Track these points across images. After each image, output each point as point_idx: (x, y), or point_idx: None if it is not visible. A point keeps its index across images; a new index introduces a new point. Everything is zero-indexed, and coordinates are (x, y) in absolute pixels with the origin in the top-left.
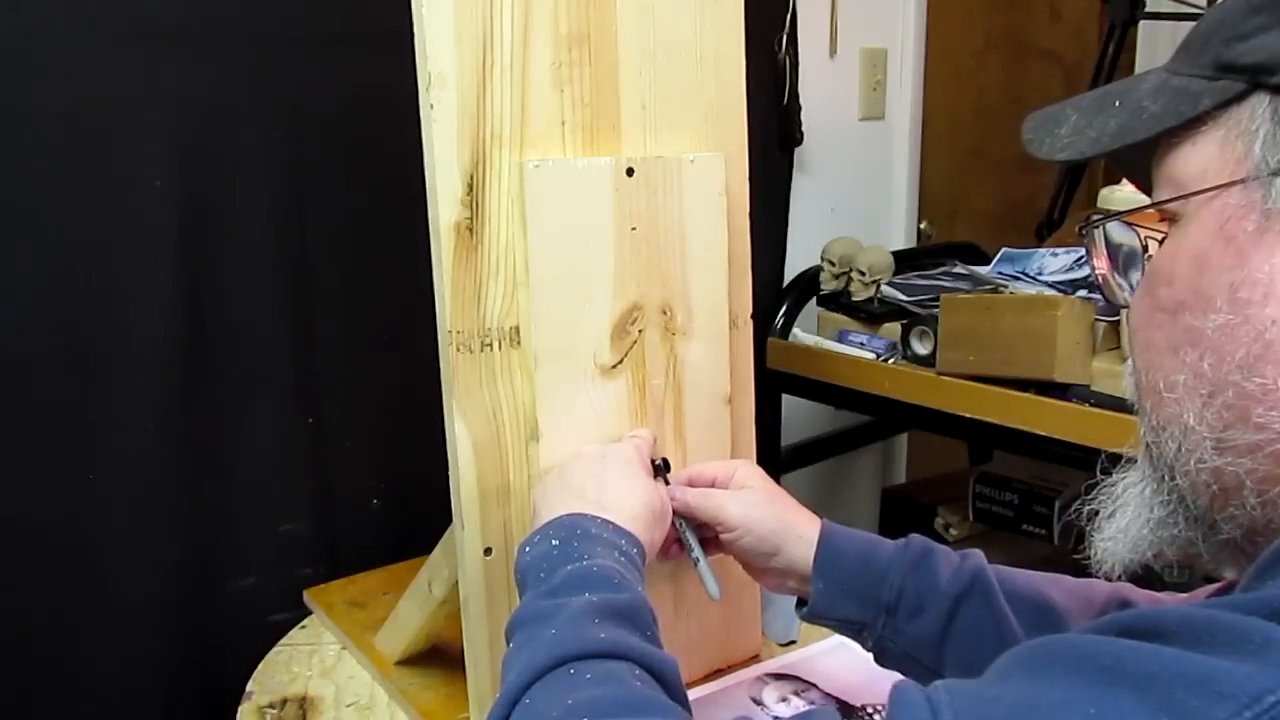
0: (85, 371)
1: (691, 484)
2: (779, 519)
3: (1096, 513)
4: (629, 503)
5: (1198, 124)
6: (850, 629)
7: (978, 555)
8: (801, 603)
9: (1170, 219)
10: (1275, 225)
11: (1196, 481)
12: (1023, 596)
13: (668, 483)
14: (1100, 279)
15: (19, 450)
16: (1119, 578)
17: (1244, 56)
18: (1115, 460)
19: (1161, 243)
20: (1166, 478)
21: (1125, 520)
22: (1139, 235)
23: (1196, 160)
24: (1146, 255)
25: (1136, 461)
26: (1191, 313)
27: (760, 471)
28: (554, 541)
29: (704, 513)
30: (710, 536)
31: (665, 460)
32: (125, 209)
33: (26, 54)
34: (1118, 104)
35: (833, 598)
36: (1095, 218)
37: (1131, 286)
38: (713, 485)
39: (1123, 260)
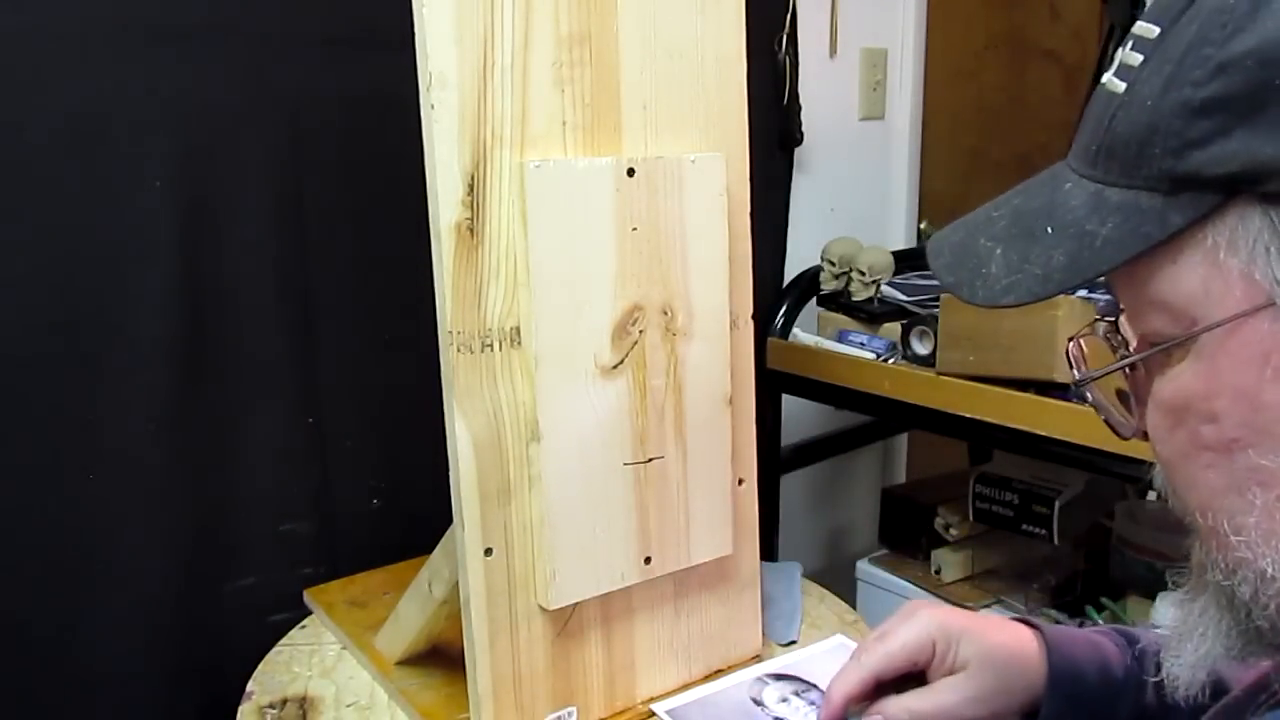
0: (85, 371)
1: (882, 677)
2: (1006, 666)
3: (1164, 640)
4: None
5: (1170, 242)
6: None
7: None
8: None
9: (1178, 345)
10: None
11: (1278, 625)
12: None
13: None
14: (1104, 413)
15: (19, 450)
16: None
17: (1209, 168)
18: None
19: (1150, 357)
20: (1244, 615)
21: (1204, 650)
22: (1127, 371)
23: (1187, 281)
24: (1129, 368)
25: (1201, 584)
26: (1256, 450)
27: (943, 618)
28: None
29: (942, 714)
30: None
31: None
32: (125, 209)
33: (26, 54)
34: (1050, 230)
35: (1066, 716)
36: (1092, 374)
37: (1136, 420)
38: (914, 665)
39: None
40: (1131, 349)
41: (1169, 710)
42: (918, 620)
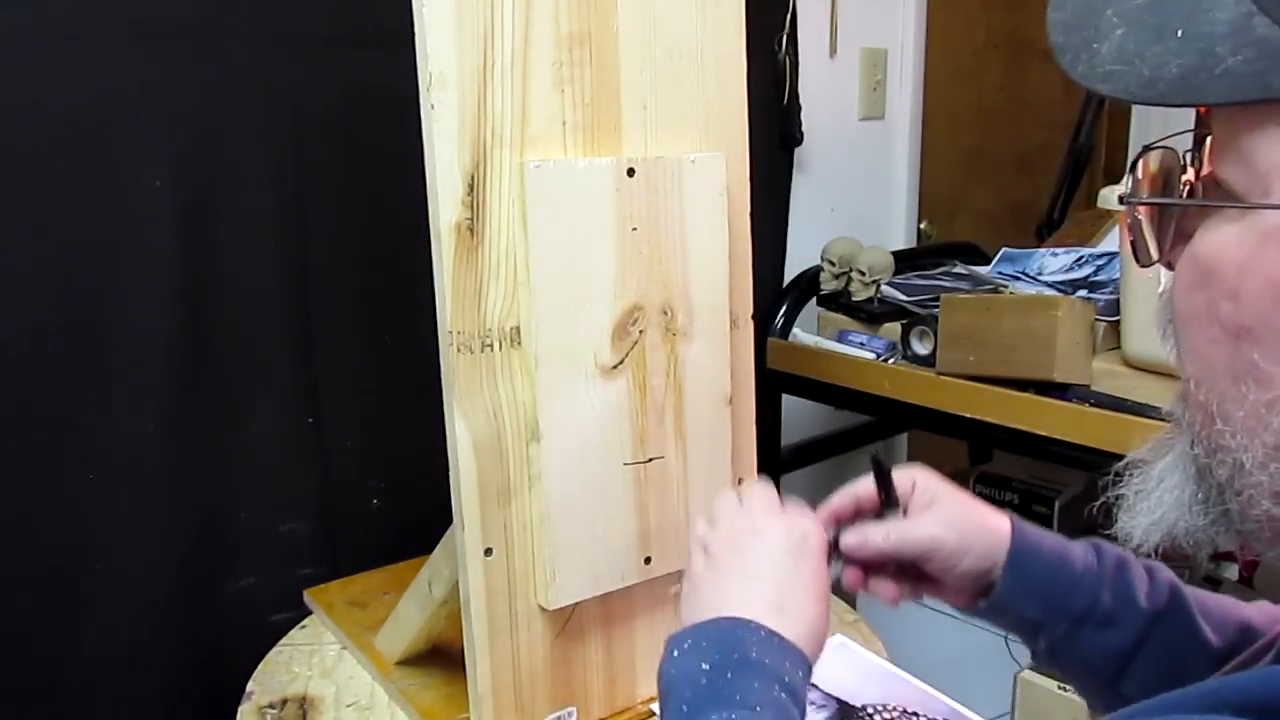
0: (85, 371)
1: (860, 511)
2: (980, 526)
3: (1122, 495)
4: (814, 615)
5: None
6: (1023, 628)
7: (1167, 571)
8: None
9: (1236, 200)
10: None
11: (1247, 514)
12: (1216, 615)
13: (840, 558)
14: (1133, 225)
15: (19, 450)
16: (1144, 553)
17: None
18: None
19: (1202, 193)
20: (1215, 494)
21: (1160, 513)
22: (1182, 195)
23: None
24: (1182, 201)
25: (1171, 447)
26: (1260, 348)
27: (932, 474)
28: (704, 665)
29: (915, 547)
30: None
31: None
32: (125, 209)
33: (27, 54)
34: (1180, 34)
35: (1019, 596)
36: (1140, 198)
37: (1166, 249)
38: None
39: (1161, 213)
40: (1197, 180)
41: (1121, 612)
42: (910, 469)
